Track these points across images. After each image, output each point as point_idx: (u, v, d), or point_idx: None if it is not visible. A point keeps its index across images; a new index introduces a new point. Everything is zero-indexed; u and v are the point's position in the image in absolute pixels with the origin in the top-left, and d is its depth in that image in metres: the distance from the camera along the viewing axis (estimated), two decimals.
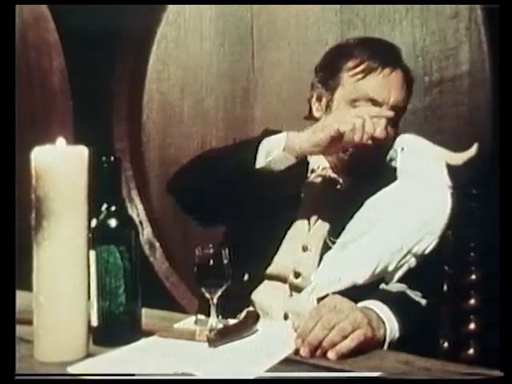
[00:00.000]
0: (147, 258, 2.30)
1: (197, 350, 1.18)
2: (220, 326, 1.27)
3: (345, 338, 1.14)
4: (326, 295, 1.25)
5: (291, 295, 1.50)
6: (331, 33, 2.05)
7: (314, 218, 1.53)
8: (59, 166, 1.12)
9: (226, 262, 1.29)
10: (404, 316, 1.24)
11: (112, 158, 1.23)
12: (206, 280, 1.29)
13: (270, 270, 1.52)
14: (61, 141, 1.16)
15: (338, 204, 1.52)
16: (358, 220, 1.34)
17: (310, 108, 1.61)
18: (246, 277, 1.53)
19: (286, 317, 1.48)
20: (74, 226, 1.12)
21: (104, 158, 1.22)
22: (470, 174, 1.68)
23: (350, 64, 1.53)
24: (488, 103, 1.84)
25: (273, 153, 1.46)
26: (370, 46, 1.56)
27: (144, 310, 1.25)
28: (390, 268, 1.30)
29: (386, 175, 1.37)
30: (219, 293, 1.28)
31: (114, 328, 1.21)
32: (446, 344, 1.49)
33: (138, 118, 2.38)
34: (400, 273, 1.31)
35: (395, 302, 1.26)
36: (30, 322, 1.14)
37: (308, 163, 1.58)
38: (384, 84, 1.51)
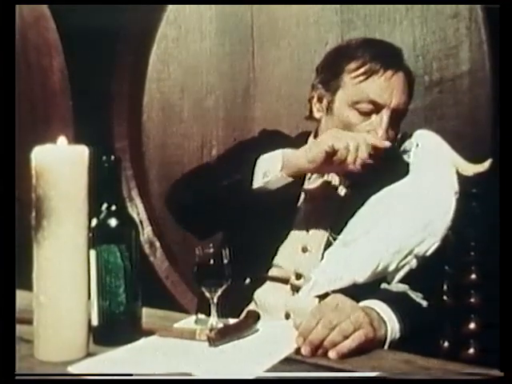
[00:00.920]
0: (147, 258, 2.30)
1: (197, 350, 1.18)
2: (220, 325, 1.27)
3: (346, 337, 1.14)
4: (327, 294, 1.25)
5: (293, 295, 1.50)
6: (331, 32, 2.05)
7: (313, 219, 1.53)
8: (59, 166, 1.12)
9: (226, 261, 1.29)
10: (405, 316, 1.24)
11: (112, 158, 1.23)
12: (206, 279, 1.29)
13: (271, 272, 1.53)
14: (62, 140, 1.16)
15: (340, 203, 1.52)
16: (360, 217, 1.34)
17: (311, 108, 1.61)
18: (248, 281, 1.53)
19: (287, 316, 1.48)
20: (75, 225, 1.12)
21: (104, 158, 1.22)
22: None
23: (352, 66, 1.52)
24: (488, 103, 1.84)
25: (270, 173, 1.46)
26: (371, 47, 1.56)
27: (144, 310, 1.25)
28: (391, 268, 1.30)
29: (385, 174, 1.37)
30: (219, 292, 1.28)
31: (114, 327, 1.21)
32: (446, 344, 1.49)
33: (138, 118, 2.37)
34: (401, 273, 1.31)
35: (396, 302, 1.26)
36: (30, 322, 1.14)
37: None
38: (386, 86, 1.50)
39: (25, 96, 2.39)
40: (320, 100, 1.58)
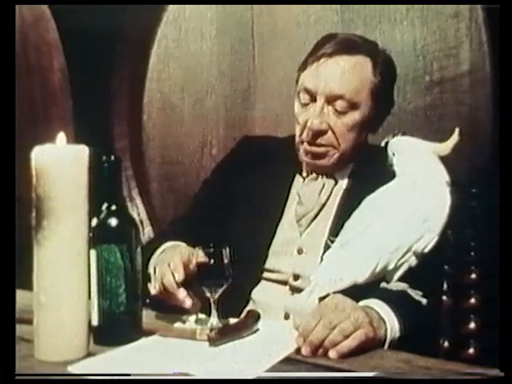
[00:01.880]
0: None
1: (197, 350, 1.18)
2: (220, 325, 1.28)
3: (346, 337, 1.14)
4: (327, 294, 1.25)
5: (292, 295, 1.50)
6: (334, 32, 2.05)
7: (306, 220, 1.52)
8: (59, 166, 1.12)
9: (226, 261, 1.29)
10: (404, 315, 1.24)
11: (112, 158, 1.23)
12: (206, 279, 1.29)
13: (268, 275, 1.52)
14: (61, 137, 1.16)
15: (336, 205, 1.52)
16: (356, 218, 1.34)
17: None
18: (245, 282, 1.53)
19: (286, 317, 1.48)
20: (75, 225, 1.12)
21: (104, 158, 1.22)
22: (470, 174, 1.69)
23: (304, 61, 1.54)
24: (488, 103, 1.84)
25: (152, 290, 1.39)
26: (324, 39, 1.54)
27: (144, 310, 1.25)
28: (391, 267, 1.30)
29: (383, 174, 1.37)
30: (219, 292, 1.28)
31: (114, 327, 1.21)
32: (446, 343, 1.49)
33: (139, 118, 2.37)
34: (400, 272, 1.31)
35: (396, 301, 1.26)
36: (30, 322, 1.14)
37: (301, 170, 1.58)
38: (317, 73, 1.49)
39: (25, 96, 2.39)
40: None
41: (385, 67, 1.52)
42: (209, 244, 1.30)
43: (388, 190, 1.35)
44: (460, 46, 1.90)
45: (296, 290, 1.47)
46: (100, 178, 1.21)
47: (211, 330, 1.23)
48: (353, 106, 1.48)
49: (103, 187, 1.23)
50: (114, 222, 1.21)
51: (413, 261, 1.31)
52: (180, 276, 1.30)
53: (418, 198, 1.31)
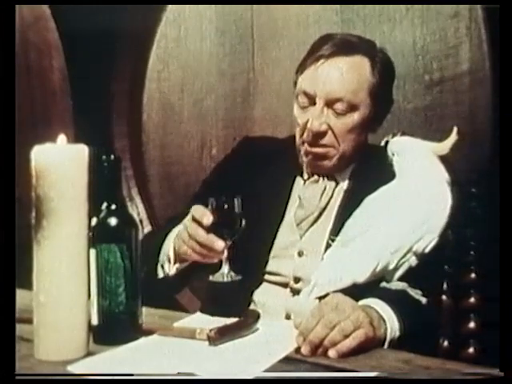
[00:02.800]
0: None
1: (197, 349, 1.18)
2: (232, 274, 1.35)
3: (346, 337, 1.14)
4: (327, 294, 1.25)
5: (293, 297, 1.49)
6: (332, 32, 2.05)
7: (306, 223, 1.52)
8: (59, 165, 1.12)
9: (237, 211, 1.34)
10: (404, 315, 1.24)
11: (112, 157, 1.23)
12: (219, 228, 1.33)
13: (269, 278, 1.52)
14: (62, 138, 1.16)
15: (337, 206, 1.51)
16: (357, 218, 1.34)
17: None
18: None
19: (287, 317, 1.48)
20: (74, 224, 1.12)
21: (104, 157, 1.22)
22: (470, 174, 1.69)
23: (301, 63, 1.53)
24: (488, 102, 1.84)
25: (168, 269, 1.47)
26: (321, 40, 1.54)
27: (144, 309, 1.25)
28: (391, 267, 1.30)
29: (383, 174, 1.37)
30: (231, 241, 1.33)
31: (114, 327, 1.21)
32: (446, 343, 1.49)
33: (138, 118, 2.38)
34: (400, 271, 1.31)
35: (396, 301, 1.26)
36: (30, 321, 1.14)
37: (302, 172, 1.58)
38: (315, 75, 1.48)
39: (25, 96, 2.39)
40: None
41: (383, 66, 1.52)
42: (221, 196, 1.36)
43: (388, 190, 1.35)
44: (459, 45, 1.90)
45: (297, 293, 1.47)
46: (100, 177, 1.21)
47: (211, 330, 1.23)
48: (352, 107, 1.48)
49: (103, 187, 1.23)
50: (113, 221, 1.21)
51: (413, 261, 1.31)
52: (209, 218, 1.34)
53: (418, 198, 1.32)
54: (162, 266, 1.48)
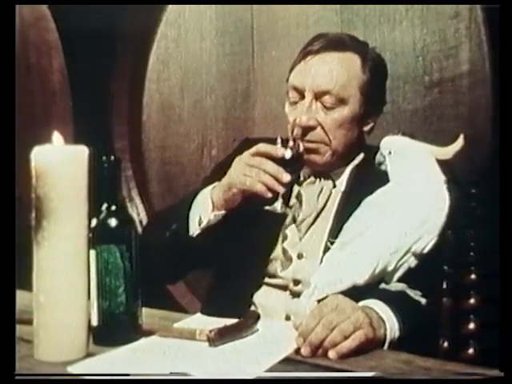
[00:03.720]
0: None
1: (197, 350, 1.18)
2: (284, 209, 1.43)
3: (346, 338, 1.14)
4: (327, 296, 1.25)
5: (293, 299, 1.49)
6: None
7: (305, 225, 1.52)
8: (59, 166, 1.12)
9: (301, 151, 1.44)
10: (404, 315, 1.24)
11: (112, 158, 1.23)
12: (283, 163, 1.41)
13: (269, 280, 1.52)
14: (57, 136, 1.16)
15: (336, 207, 1.51)
16: (355, 220, 1.34)
17: None
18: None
19: (287, 318, 1.48)
20: (74, 225, 1.12)
21: (104, 158, 1.22)
22: (470, 174, 1.69)
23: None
24: (488, 103, 1.84)
25: (204, 218, 1.48)
26: (313, 39, 1.55)
27: (144, 310, 1.25)
28: (390, 268, 1.30)
29: (382, 175, 1.37)
30: (292, 178, 1.41)
31: (113, 328, 1.21)
32: (445, 344, 1.49)
33: (138, 118, 2.38)
34: (400, 272, 1.31)
35: (395, 302, 1.26)
36: (30, 322, 1.14)
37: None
38: (304, 70, 1.50)
39: (25, 96, 2.39)
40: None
41: (375, 65, 1.52)
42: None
43: (386, 191, 1.35)
44: (459, 46, 1.90)
45: (296, 295, 1.47)
46: (100, 178, 1.21)
47: (211, 330, 1.23)
48: (341, 101, 1.48)
49: (103, 187, 1.23)
50: (113, 222, 1.21)
51: (412, 261, 1.31)
52: (282, 151, 1.42)
53: (416, 198, 1.31)
54: (200, 218, 1.49)
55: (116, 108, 2.36)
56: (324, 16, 2.07)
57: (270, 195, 1.41)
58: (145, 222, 2.36)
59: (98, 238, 1.19)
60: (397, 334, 1.23)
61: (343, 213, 1.44)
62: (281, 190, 1.41)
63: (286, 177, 1.40)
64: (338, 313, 1.16)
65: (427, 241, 1.30)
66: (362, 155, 1.55)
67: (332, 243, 1.36)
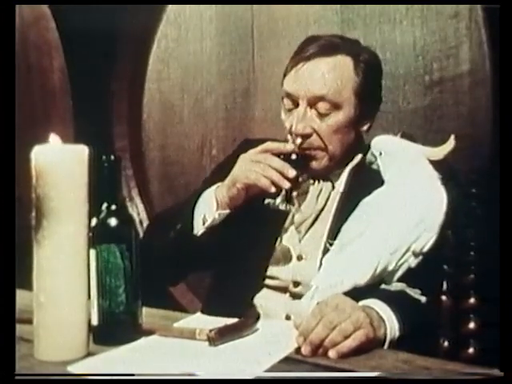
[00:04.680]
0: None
1: (197, 349, 1.18)
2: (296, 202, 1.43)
3: (346, 337, 1.14)
4: None
5: (293, 300, 1.49)
6: (332, 32, 2.05)
7: (305, 226, 1.52)
8: (59, 165, 1.12)
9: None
10: (404, 315, 1.24)
11: (112, 157, 1.23)
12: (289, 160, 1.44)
13: (269, 282, 1.52)
14: (53, 137, 1.16)
15: (334, 209, 1.51)
16: (354, 221, 1.34)
17: None
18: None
19: (287, 318, 1.48)
20: (74, 224, 1.12)
21: (104, 157, 1.22)
22: (470, 174, 1.69)
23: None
24: (488, 103, 1.84)
25: (208, 217, 1.48)
26: (304, 43, 1.54)
27: (144, 309, 1.25)
28: (390, 267, 1.30)
29: (380, 176, 1.37)
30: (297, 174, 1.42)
31: (114, 327, 1.21)
32: (445, 343, 1.49)
33: (138, 118, 2.38)
34: (400, 272, 1.31)
35: (395, 301, 1.26)
36: (30, 322, 1.14)
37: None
38: (297, 76, 1.49)
39: (25, 96, 2.39)
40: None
41: (367, 65, 1.50)
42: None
43: (382, 191, 1.35)
44: (460, 46, 1.90)
45: (296, 297, 1.47)
46: (100, 177, 1.21)
47: (211, 330, 1.23)
48: (335, 106, 1.47)
49: (103, 187, 1.23)
50: (113, 221, 1.21)
51: (412, 261, 1.31)
52: (290, 145, 1.45)
53: (410, 198, 1.31)
54: (204, 216, 1.49)
55: (116, 108, 2.36)
56: (324, 16, 2.08)
57: (273, 190, 1.41)
58: (145, 221, 2.36)
59: (98, 237, 1.19)
60: (397, 333, 1.23)
61: (342, 214, 1.43)
62: (286, 184, 1.41)
63: (292, 172, 1.41)
64: (339, 312, 1.16)
65: (426, 239, 1.30)
66: (360, 156, 1.54)
67: (331, 244, 1.36)
